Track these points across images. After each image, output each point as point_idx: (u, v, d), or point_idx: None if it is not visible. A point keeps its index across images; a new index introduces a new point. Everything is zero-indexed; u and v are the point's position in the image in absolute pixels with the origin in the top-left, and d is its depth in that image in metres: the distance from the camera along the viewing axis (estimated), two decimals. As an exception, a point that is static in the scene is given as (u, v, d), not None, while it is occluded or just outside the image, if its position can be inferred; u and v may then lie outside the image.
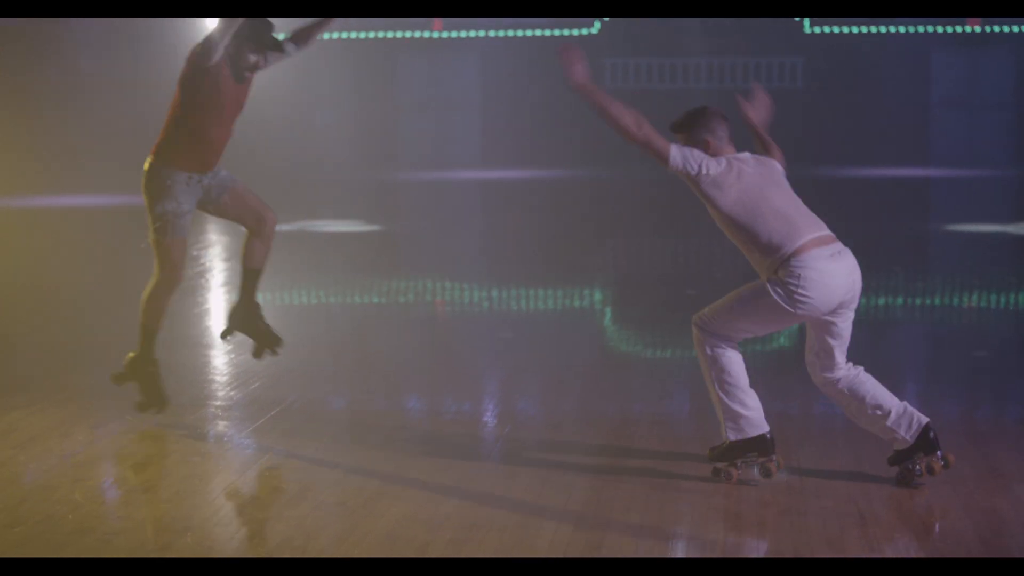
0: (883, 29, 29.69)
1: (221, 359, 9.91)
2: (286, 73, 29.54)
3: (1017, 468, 6.98)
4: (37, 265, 15.64)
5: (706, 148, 6.76)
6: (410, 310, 12.51)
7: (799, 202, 6.73)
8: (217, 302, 12.45)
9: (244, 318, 8.10)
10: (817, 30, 29.85)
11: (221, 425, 7.90)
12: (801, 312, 6.53)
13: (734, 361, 6.76)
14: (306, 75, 29.84)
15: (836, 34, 29.81)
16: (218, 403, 8.45)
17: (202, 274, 14.63)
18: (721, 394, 6.75)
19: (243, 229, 8.04)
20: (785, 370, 9.13)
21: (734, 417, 6.75)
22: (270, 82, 28.89)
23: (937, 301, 13.14)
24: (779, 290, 6.49)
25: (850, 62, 29.65)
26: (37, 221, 21.09)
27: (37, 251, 17.17)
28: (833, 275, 6.50)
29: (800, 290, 6.46)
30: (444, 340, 11.14)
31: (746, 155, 6.82)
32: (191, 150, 7.64)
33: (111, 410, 8.10)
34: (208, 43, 7.48)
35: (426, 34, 30.43)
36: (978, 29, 29.49)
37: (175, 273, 7.78)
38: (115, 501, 6.59)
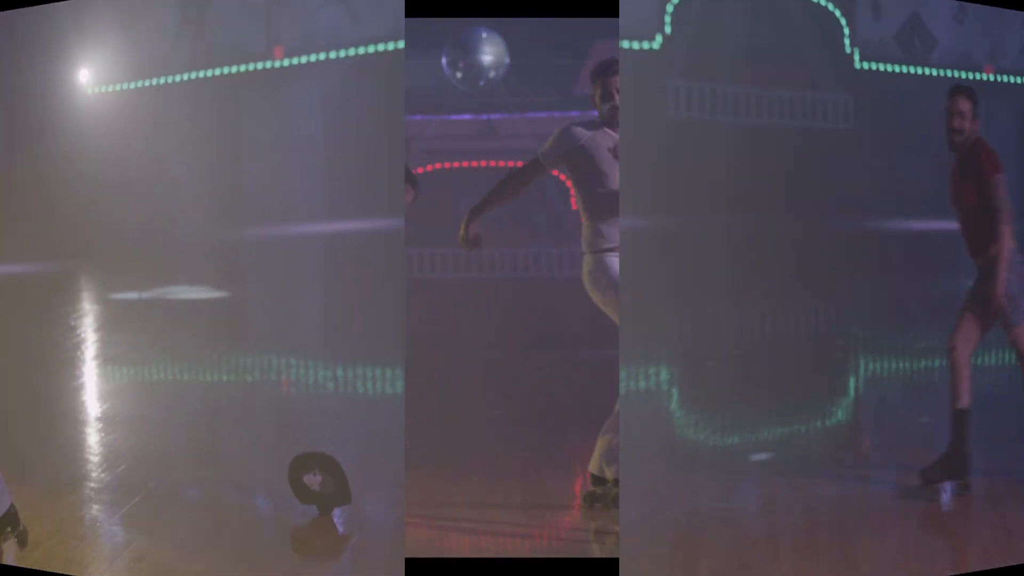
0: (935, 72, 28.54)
1: (94, 437, 10.09)
2: (140, 124, 27.17)
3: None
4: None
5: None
6: (257, 388, 12.38)
7: None
8: (91, 376, 11.91)
9: None
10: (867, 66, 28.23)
11: (95, 509, 7.97)
12: None
13: None
14: (157, 125, 26.63)
15: (887, 72, 28.26)
16: (92, 485, 8.53)
17: (77, 346, 14.55)
18: None
19: None
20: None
21: None
22: (122, 137, 26.37)
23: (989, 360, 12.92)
24: None
25: (898, 103, 27.79)
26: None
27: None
28: None
29: None
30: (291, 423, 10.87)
31: None
32: None
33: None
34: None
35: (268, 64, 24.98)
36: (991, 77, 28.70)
37: None
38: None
